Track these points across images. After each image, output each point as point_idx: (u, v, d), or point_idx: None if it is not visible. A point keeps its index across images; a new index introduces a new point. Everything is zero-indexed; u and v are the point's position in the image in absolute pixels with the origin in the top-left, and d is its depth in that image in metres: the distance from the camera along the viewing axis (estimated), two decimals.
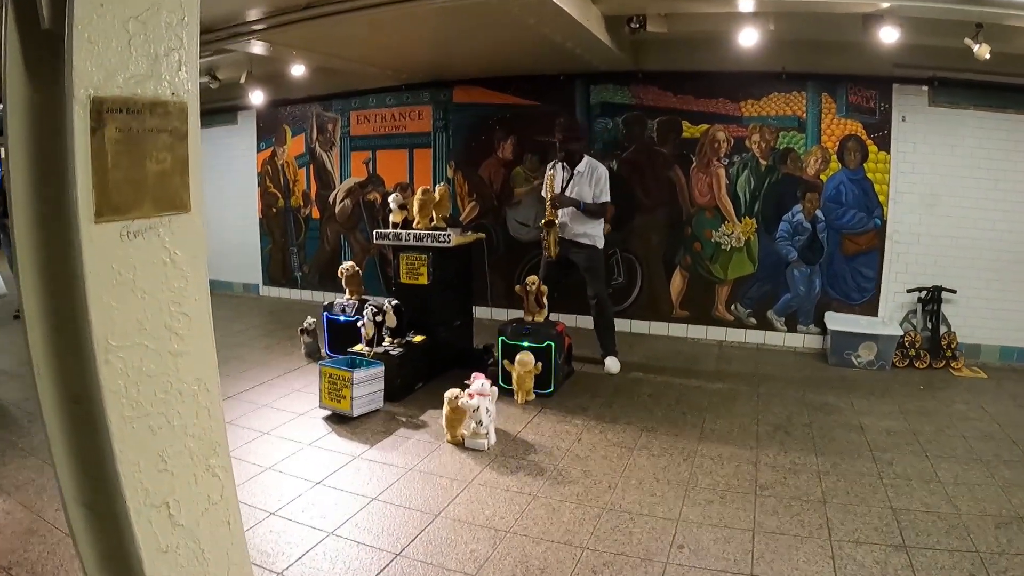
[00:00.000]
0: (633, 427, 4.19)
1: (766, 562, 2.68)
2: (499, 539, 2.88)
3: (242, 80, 6.67)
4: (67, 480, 1.42)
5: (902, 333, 5.49)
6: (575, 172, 5.22)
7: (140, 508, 1.38)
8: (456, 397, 3.84)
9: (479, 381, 3.89)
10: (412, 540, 2.86)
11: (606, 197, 5.21)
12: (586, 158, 5.28)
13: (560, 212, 5.18)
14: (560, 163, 5.26)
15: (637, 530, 2.95)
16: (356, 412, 4.24)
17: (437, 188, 5.26)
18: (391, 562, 2.70)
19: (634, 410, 4.51)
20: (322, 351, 5.77)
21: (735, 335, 6.33)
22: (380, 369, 4.44)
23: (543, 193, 5.19)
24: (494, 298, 6.82)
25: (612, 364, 5.39)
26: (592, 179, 5.17)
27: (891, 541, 2.82)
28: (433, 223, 5.18)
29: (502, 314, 6.93)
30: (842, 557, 2.70)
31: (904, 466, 3.57)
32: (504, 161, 6.98)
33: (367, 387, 4.32)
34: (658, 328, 6.58)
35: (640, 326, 6.63)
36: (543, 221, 5.18)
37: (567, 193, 5.20)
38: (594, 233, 5.28)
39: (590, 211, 5.16)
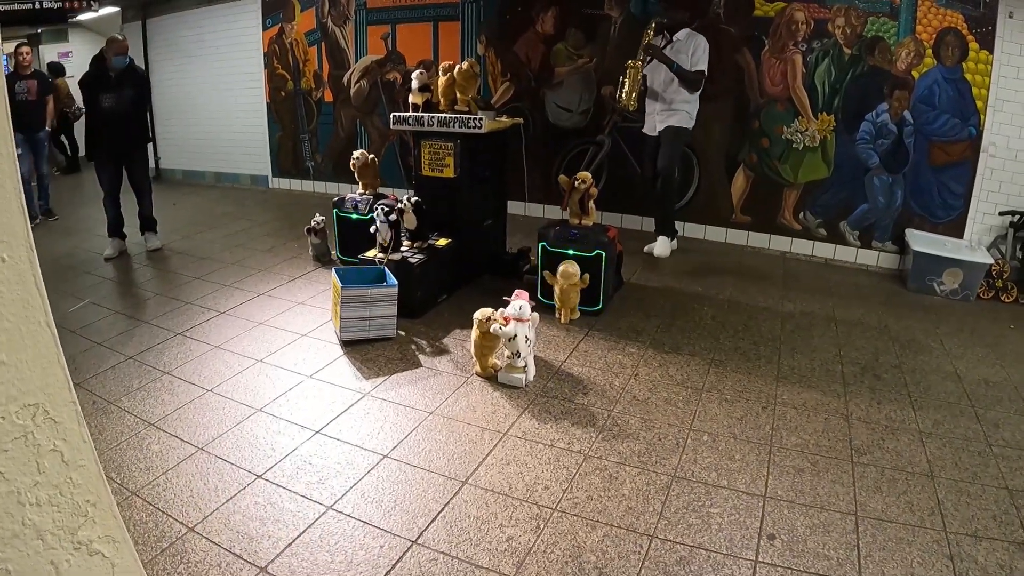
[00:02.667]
0: (698, 360, 3.58)
1: (875, 563, 2.13)
2: (543, 520, 2.30)
3: None
4: None
5: (992, 261, 4.81)
6: (674, 39, 4.99)
7: None
8: (488, 319, 3.16)
9: (518, 303, 3.17)
10: (433, 519, 2.29)
11: (702, 66, 4.92)
12: (687, 29, 5.02)
13: (654, 81, 5.03)
14: (661, 28, 5.05)
15: (716, 510, 2.37)
16: (344, 336, 3.64)
17: (463, 64, 4.41)
18: (406, 552, 2.13)
19: (697, 337, 3.90)
20: (332, 254, 5.11)
21: (801, 246, 5.68)
22: (391, 291, 3.70)
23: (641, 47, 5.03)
24: (530, 192, 6.11)
25: (662, 247, 5.09)
26: (690, 47, 4.91)
27: (1013, 536, 2.29)
28: (457, 106, 4.42)
29: (537, 210, 6.44)
30: (961, 557, 2.17)
31: (1012, 430, 3.01)
32: (543, 36, 6.30)
33: (362, 309, 3.61)
34: (715, 233, 5.99)
35: (695, 229, 6.02)
36: (627, 63, 4.99)
37: None
38: (688, 111, 5.04)
39: (683, 77, 4.88)
